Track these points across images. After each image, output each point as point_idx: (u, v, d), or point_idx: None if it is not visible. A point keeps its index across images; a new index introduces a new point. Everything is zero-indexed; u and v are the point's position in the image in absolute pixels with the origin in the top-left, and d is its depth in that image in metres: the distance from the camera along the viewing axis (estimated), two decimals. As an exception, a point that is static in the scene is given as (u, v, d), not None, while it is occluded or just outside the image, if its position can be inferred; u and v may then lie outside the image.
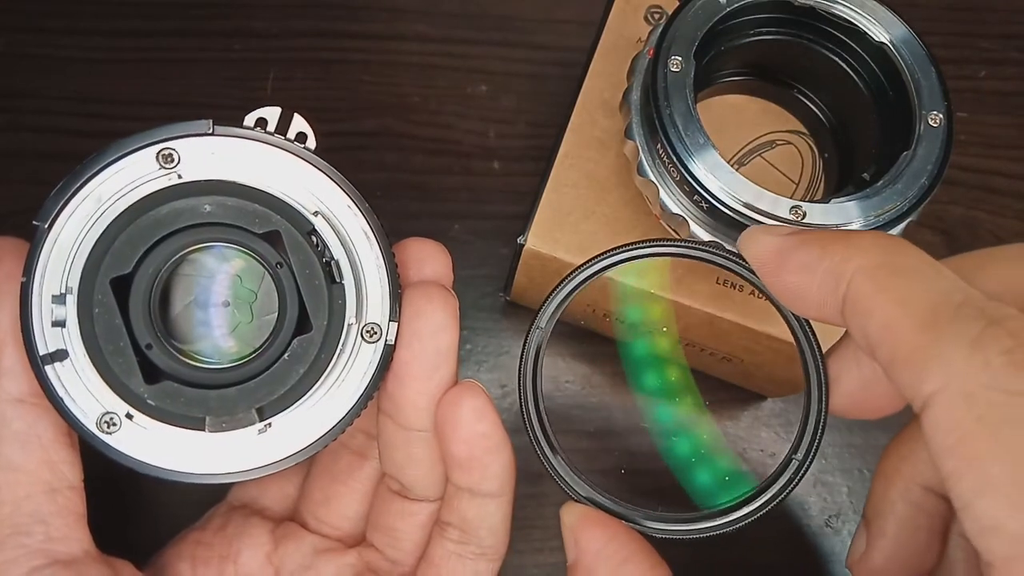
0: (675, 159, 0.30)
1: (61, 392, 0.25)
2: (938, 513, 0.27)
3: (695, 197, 0.30)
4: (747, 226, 0.29)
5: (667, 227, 0.33)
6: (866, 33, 0.32)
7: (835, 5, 0.32)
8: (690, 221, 0.31)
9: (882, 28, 0.32)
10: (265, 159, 0.26)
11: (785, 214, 0.29)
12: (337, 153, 0.43)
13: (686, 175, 0.30)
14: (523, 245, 0.35)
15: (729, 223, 0.30)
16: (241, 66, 0.45)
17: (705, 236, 0.31)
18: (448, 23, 0.46)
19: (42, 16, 0.45)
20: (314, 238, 0.26)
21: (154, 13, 0.45)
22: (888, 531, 0.27)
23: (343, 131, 0.44)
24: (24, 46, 0.44)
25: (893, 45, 0.32)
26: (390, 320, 0.26)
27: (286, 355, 0.26)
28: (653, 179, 0.31)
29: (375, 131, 0.44)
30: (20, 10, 0.44)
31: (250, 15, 0.46)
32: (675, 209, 0.31)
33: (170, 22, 0.45)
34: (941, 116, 0.31)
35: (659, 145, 0.30)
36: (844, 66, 0.34)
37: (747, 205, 0.29)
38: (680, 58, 0.30)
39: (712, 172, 0.29)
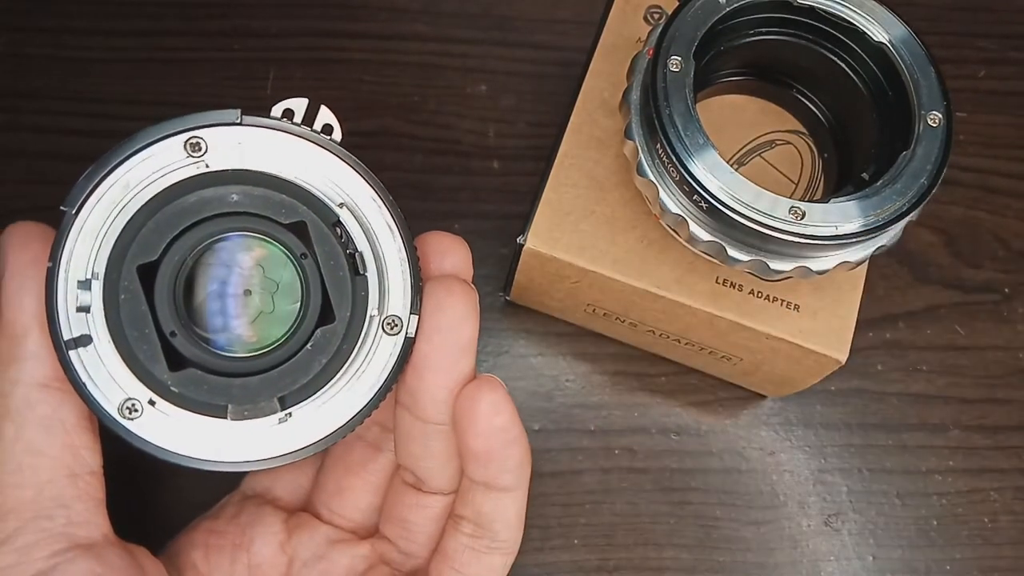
0: (674, 159, 0.30)
1: (84, 377, 0.25)
2: None
3: (695, 197, 0.30)
4: (747, 227, 0.29)
5: (667, 227, 0.33)
6: (865, 33, 0.32)
7: (834, 5, 0.32)
8: (690, 221, 0.31)
9: (881, 28, 0.32)
10: (291, 150, 0.26)
11: (784, 214, 0.29)
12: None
13: (685, 175, 0.30)
14: (523, 245, 0.35)
15: (729, 223, 0.30)
16: (241, 66, 0.45)
17: (705, 236, 0.31)
18: (448, 23, 0.46)
19: (42, 16, 0.45)
20: (339, 230, 0.26)
21: (154, 13, 0.45)
22: None
23: (343, 131, 0.44)
24: (24, 46, 0.44)
25: (892, 45, 0.32)
26: (411, 313, 0.26)
27: (309, 345, 0.26)
28: (653, 179, 0.31)
29: (374, 131, 0.44)
30: (20, 10, 0.44)
31: (250, 15, 0.45)
32: (675, 209, 0.31)
33: (170, 22, 0.45)
34: (940, 116, 0.31)
35: (659, 145, 0.30)
36: (843, 66, 0.34)
37: (746, 205, 0.29)
38: (679, 58, 0.30)
39: (711, 172, 0.29)
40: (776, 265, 0.31)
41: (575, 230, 0.35)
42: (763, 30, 0.34)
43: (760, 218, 0.29)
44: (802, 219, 0.29)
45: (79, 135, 0.42)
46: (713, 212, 0.30)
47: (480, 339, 0.41)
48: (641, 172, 0.31)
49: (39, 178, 0.41)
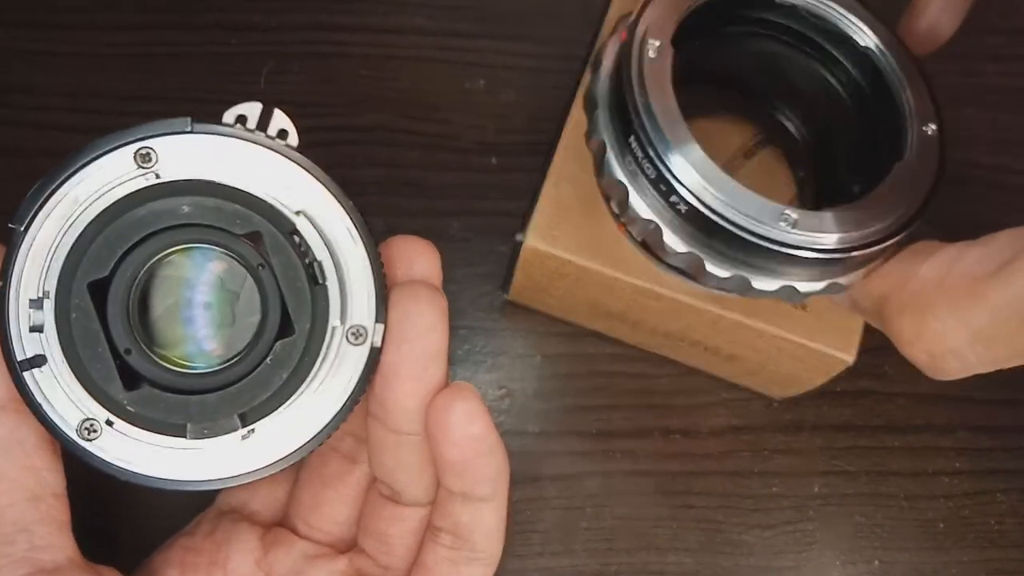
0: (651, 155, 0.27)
1: (40, 398, 0.24)
2: None
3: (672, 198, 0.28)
4: (731, 232, 0.27)
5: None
6: (851, 37, 0.31)
7: (819, 5, 0.31)
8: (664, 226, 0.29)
9: (867, 33, 0.31)
10: (245, 157, 0.25)
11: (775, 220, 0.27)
12: (333, 148, 0.43)
13: (663, 172, 0.27)
14: (522, 242, 0.34)
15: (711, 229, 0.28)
16: (239, 60, 0.44)
17: (681, 248, 0.29)
18: (446, 16, 0.46)
19: (39, 11, 0.44)
20: (296, 238, 0.25)
21: (151, 7, 0.45)
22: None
23: (340, 126, 0.43)
24: (21, 41, 0.44)
25: (879, 51, 0.31)
26: (376, 322, 0.26)
27: (268, 359, 0.25)
28: (622, 179, 0.29)
29: (372, 126, 0.44)
30: (17, 5, 0.44)
31: (247, 9, 0.45)
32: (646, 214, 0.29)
33: (167, 16, 0.45)
34: (935, 127, 0.29)
35: (631, 139, 0.28)
36: (824, 72, 0.32)
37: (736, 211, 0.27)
38: (659, 43, 0.28)
39: (695, 169, 0.27)
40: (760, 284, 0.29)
41: (575, 227, 0.34)
42: (743, 29, 0.32)
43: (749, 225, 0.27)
44: (794, 227, 0.27)
45: (76, 131, 0.42)
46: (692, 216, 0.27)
47: (479, 339, 0.41)
48: (607, 172, 0.29)
49: (37, 175, 0.41)
